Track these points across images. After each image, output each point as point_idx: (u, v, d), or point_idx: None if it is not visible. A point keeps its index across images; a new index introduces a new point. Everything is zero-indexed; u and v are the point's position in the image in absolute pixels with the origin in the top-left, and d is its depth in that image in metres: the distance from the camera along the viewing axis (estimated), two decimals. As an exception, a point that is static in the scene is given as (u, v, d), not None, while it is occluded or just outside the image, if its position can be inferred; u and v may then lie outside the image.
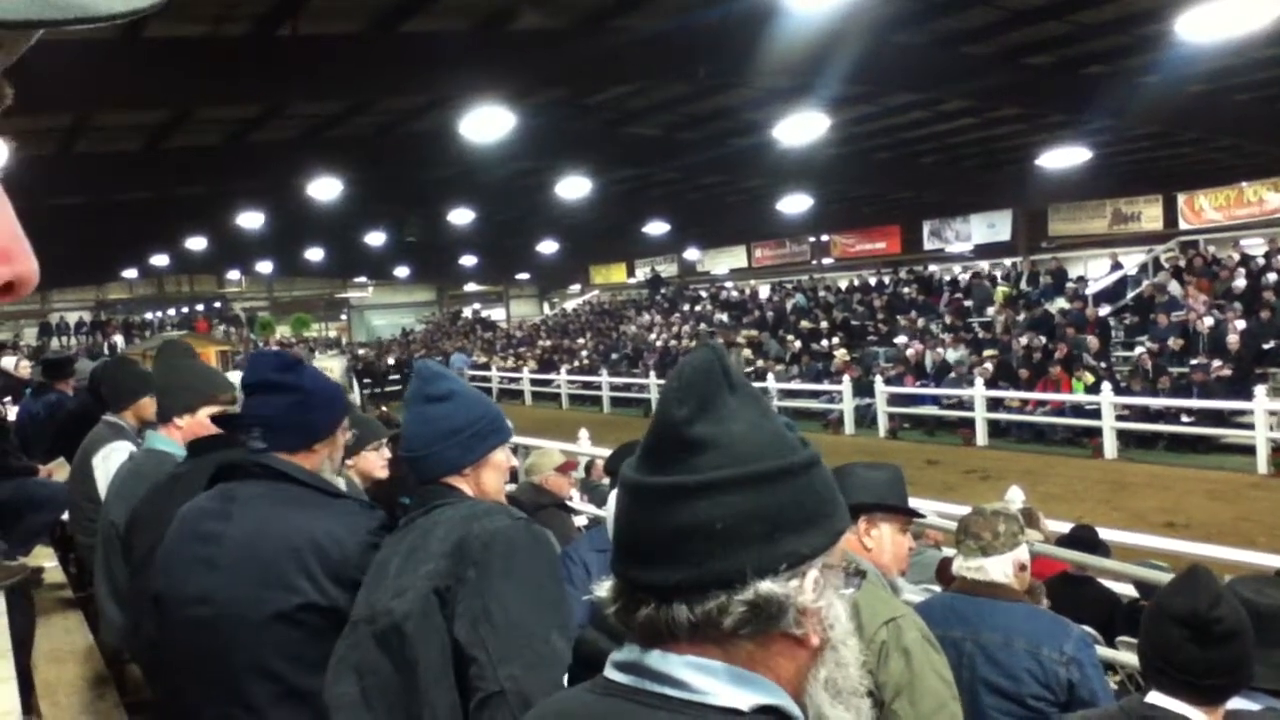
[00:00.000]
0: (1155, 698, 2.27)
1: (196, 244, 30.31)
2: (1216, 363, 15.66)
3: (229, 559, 2.28)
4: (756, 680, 1.02)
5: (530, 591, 1.91)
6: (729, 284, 35.88)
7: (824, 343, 23.28)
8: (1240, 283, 18.56)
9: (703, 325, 29.00)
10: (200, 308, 45.74)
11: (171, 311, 45.05)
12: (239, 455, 2.47)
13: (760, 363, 23.15)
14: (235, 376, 3.51)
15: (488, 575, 1.90)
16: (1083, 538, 5.49)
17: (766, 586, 1.00)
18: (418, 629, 1.91)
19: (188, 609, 2.32)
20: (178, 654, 2.38)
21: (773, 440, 1.06)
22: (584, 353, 30.37)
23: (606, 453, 8.15)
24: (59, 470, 5.43)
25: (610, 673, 1.07)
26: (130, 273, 41.65)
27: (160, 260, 36.02)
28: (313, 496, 2.33)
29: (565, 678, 2.69)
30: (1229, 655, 2.18)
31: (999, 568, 3.17)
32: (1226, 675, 2.19)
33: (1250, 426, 14.04)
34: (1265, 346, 16.36)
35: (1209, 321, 17.03)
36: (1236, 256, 20.30)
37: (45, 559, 5.44)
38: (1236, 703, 2.25)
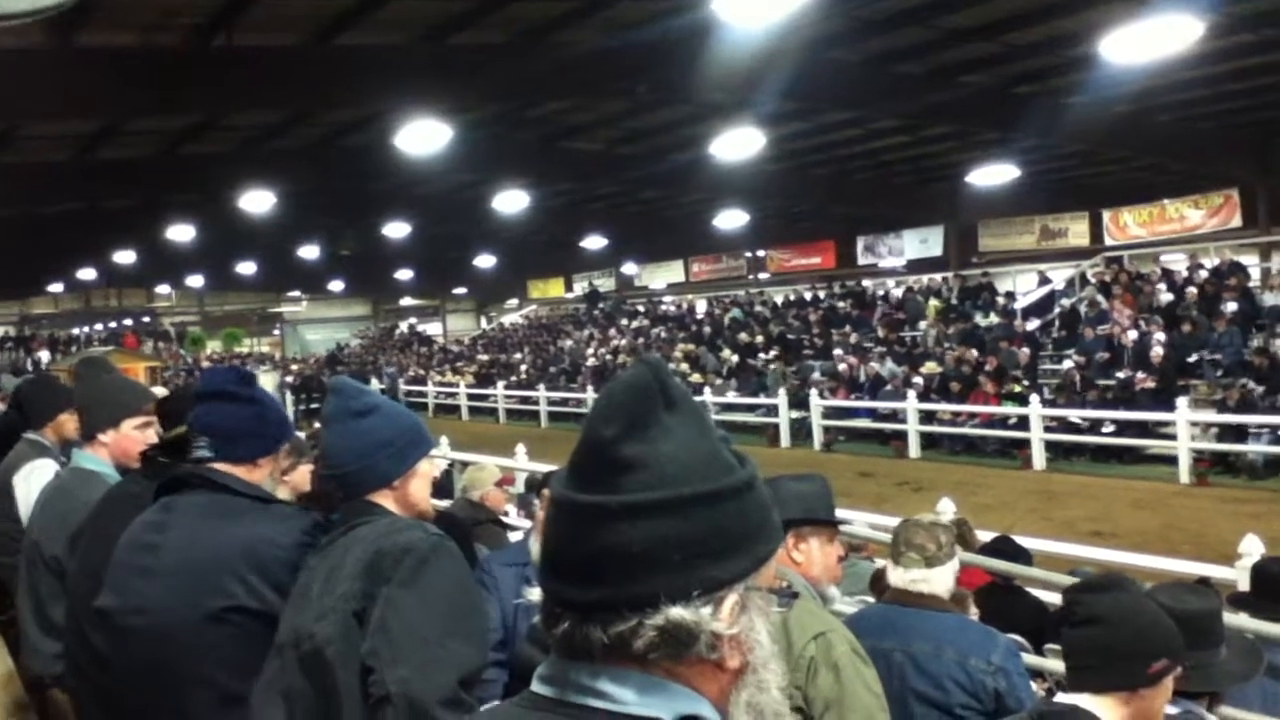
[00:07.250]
0: (1059, 695, 2.34)
1: (125, 257, 29.75)
2: (1140, 375, 16.03)
3: (164, 568, 2.30)
4: (677, 690, 1.02)
5: (429, 600, 1.92)
6: (667, 298, 35.96)
7: (760, 357, 23.46)
8: (1163, 297, 19.04)
9: (640, 340, 29.00)
10: (129, 322, 44.71)
11: (99, 326, 43.93)
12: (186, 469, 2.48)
13: (696, 376, 23.25)
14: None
15: (391, 588, 1.93)
16: (1003, 549, 5.58)
17: (677, 613, 0.99)
18: (338, 653, 1.92)
19: (127, 619, 2.33)
20: (119, 666, 2.38)
21: (704, 462, 1.03)
22: (522, 367, 30.25)
23: (544, 468, 8.14)
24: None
25: (536, 685, 1.06)
26: (56, 287, 40.67)
27: (88, 274, 35.27)
28: (248, 505, 2.36)
29: (501, 688, 2.68)
30: (1084, 639, 2.26)
31: (943, 579, 3.22)
32: (1084, 657, 2.26)
33: (1173, 437, 14.40)
34: (1188, 359, 16.80)
35: (1133, 335, 17.44)
36: (1159, 271, 20.84)
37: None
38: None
